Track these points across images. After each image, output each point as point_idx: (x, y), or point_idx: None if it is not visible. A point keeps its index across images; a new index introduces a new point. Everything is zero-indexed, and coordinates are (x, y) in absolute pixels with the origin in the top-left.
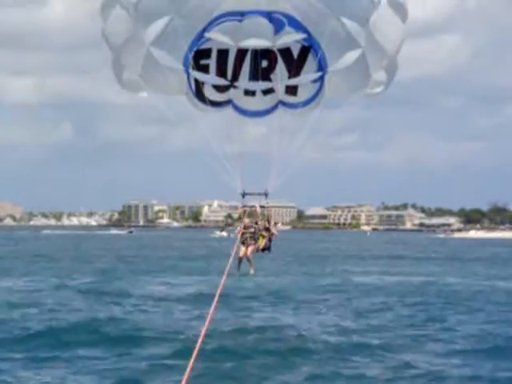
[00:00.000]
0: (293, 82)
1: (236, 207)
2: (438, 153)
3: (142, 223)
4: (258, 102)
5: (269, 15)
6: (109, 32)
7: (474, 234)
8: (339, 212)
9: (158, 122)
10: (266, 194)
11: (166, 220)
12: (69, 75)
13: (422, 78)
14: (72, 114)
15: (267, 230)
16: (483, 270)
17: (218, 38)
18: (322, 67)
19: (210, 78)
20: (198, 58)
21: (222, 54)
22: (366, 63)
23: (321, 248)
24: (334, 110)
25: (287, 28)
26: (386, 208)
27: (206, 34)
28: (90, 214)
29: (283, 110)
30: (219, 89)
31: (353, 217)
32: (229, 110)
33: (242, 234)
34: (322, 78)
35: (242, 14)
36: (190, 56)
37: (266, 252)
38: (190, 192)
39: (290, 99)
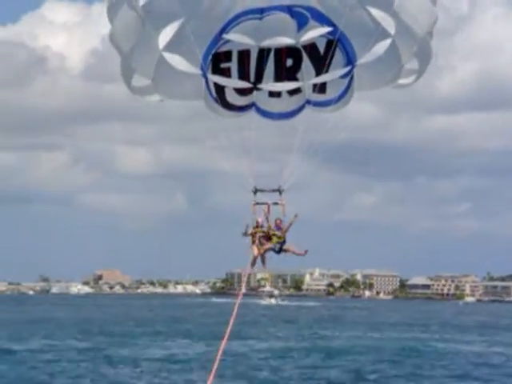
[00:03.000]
0: (321, 79)
1: (338, 275)
2: None
3: (244, 291)
4: (284, 104)
5: (290, 10)
6: (116, 35)
7: None
8: (442, 282)
9: None
10: (279, 191)
11: (267, 288)
12: (181, 145)
13: None
14: (184, 182)
15: (285, 231)
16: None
17: (238, 39)
18: (350, 61)
19: (232, 82)
20: (218, 61)
21: (244, 55)
22: (397, 53)
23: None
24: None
25: (311, 22)
26: (492, 279)
27: (225, 36)
28: (196, 283)
29: (311, 108)
30: (242, 92)
31: (456, 287)
32: (252, 114)
33: (254, 233)
34: (351, 73)
35: (261, 11)
36: (209, 59)
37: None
38: (291, 260)
39: (319, 98)
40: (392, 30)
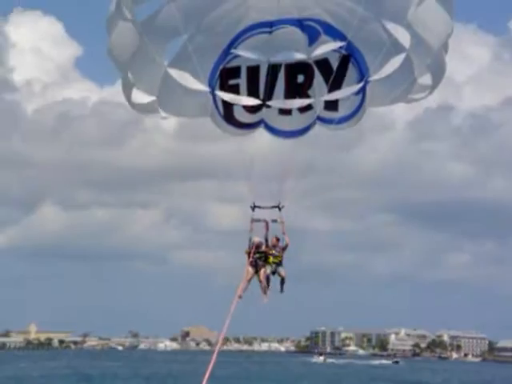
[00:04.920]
0: (333, 96)
1: (424, 336)
2: None
3: (329, 350)
4: (294, 121)
5: (300, 24)
6: (114, 49)
7: None
8: None
9: (359, 249)
10: (279, 208)
11: (352, 348)
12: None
13: None
14: None
15: (283, 249)
16: None
17: (247, 54)
18: (363, 76)
19: (240, 99)
20: (226, 77)
21: (253, 71)
22: (411, 67)
23: None
24: None
25: (323, 37)
26: None
27: (233, 51)
28: (281, 341)
29: (321, 126)
30: (250, 109)
31: None
32: (260, 131)
33: (251, 253)
34: (364, 89)
35: (270, 25)
36: (216, 75)
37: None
38: (377, 319)
39: (330, 115)
40: (407, 44)
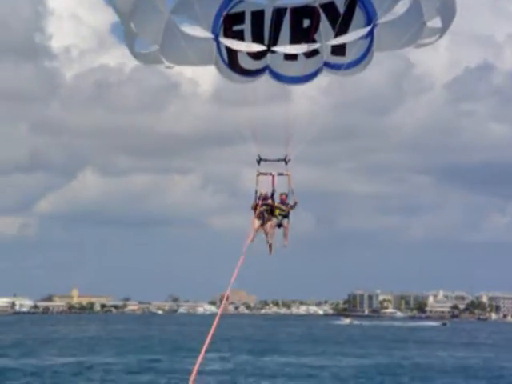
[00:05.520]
0: (340, 40)
1: (462, 298)
2: None
3: (366, 313)
4: (301, 67)
5: None
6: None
7: None
8: None
9: (398, 212)
10: (285, 161)
11: (390, 310)
12: (311, 166)
13: None
14: (312, 204)
15: (291, 207)
16: None
17: None
18: (371, 20)
19: (245, 45)
20: (230, 23)
21: (257, 16)
22: (419, 9)
23: None
24: None
25: None
26: None
27: None
28: (319, 304)
29: (328, 72)
30: (255, 55)
31: None
32: (265, 78)
33: (259, 205)
34: (372, 33)
35: None
36: (220, 21)
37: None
38: (415, 281)
39: (338, 60)
40: None
